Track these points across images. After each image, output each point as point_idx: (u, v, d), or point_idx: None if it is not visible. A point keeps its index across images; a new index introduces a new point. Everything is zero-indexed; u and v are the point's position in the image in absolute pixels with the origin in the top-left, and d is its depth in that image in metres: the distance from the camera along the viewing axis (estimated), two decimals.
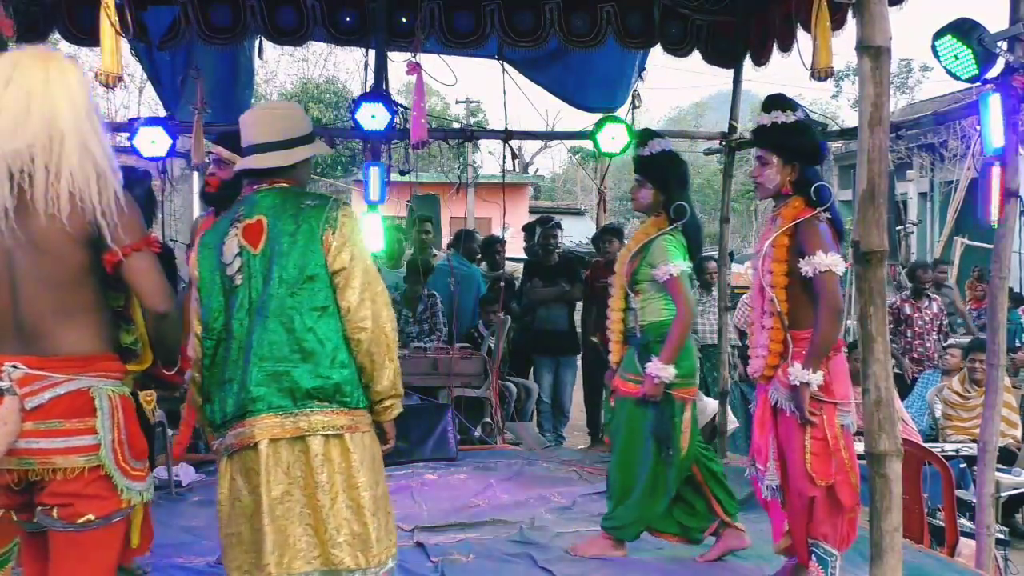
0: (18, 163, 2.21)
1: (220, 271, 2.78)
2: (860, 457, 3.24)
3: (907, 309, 7.54)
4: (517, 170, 15.95)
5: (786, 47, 5.79)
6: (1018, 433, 6.53)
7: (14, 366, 2.23)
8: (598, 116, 6.90)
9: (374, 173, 6.52)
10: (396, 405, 2.84)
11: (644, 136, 4.53)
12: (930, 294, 7.78)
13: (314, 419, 2.68)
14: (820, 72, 5.01)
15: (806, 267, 3.51)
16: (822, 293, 3.50)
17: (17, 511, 2.38)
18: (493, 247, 8.67)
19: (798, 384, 3.48)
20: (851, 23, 4.95)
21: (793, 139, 3.67)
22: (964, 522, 4.88)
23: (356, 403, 2.74)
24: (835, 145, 11.09)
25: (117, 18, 4.50)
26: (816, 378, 3.47)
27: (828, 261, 3.49)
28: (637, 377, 4.16)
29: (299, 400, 2.68)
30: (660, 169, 4.32)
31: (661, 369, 4.07)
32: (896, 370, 7.12)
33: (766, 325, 3.66)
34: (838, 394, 3.55)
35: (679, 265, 4.11)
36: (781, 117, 3.68)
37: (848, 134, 5.99)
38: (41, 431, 2.25)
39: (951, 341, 7.62)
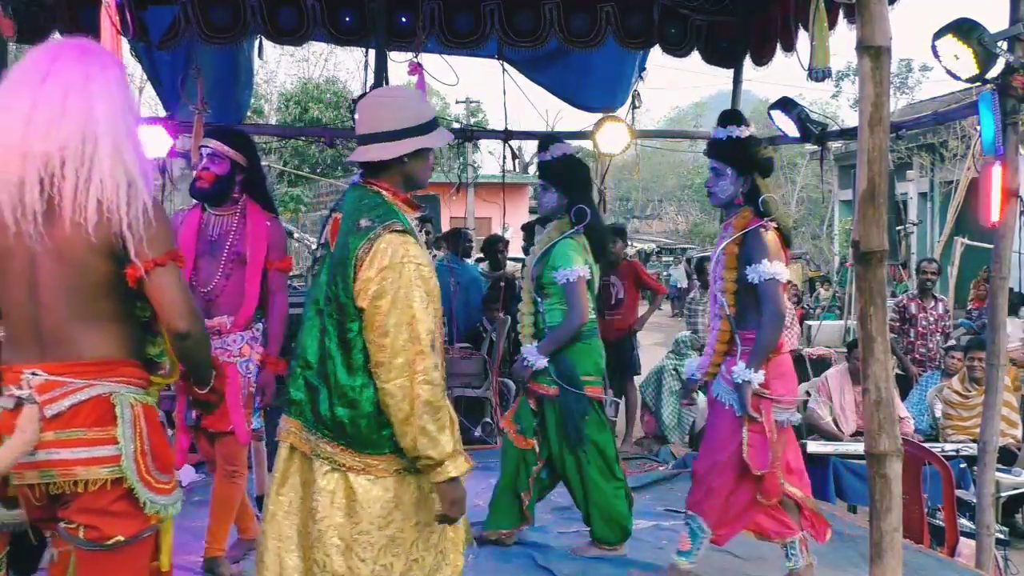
0: (49, 166, 2.10)
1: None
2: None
3: (912, 308, 7.52)
4: (517, 170, 15.92)
5: (786, 47, 5.79)
6: (1018, 433, 6.53)
7: (34, 373, 2.13)
8: (598, 116, 6.90)
9: None
10: (436, 467, 2.45)
11: (546, 141, 4.60)
12: (936, 294, 7.77)
13: (321, 446, 2.51)
14: (818, 72, 5.00)
15: (752, 274, 3.71)
16: (766, 299, 3.70)
17: (39, 523, 2.26)
18: (495, 246, 8.66)
19: (741, 381, 3.69)
20: (842, 23, 4.95)
21: (747, 152, 3.85)
22: (964, 522, 4.88)
23: (367, 447, 2.48)
24: (835, 145, 11.07)
25: (118, 18, 4.50)
26: (758, 376, 3.70)
27: (772, 269, 3.70)
28: (551, 378, 4.29)
29: (312, 422, 2.54)
30: (562, 173, 4.40)
31: (535, 355, 4.28)
32: (899, 371, 7.11)
33: (715, 327, 3.90)
34: (776, 391, 3.77)
35: (576, 271, 4.23)
36: (736, 131, 3.86)
37: (848, 134, 5.99)
38: (63, 441, 2.13)
39: (951, 342, 7.61)
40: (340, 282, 2.47)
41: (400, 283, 2.42)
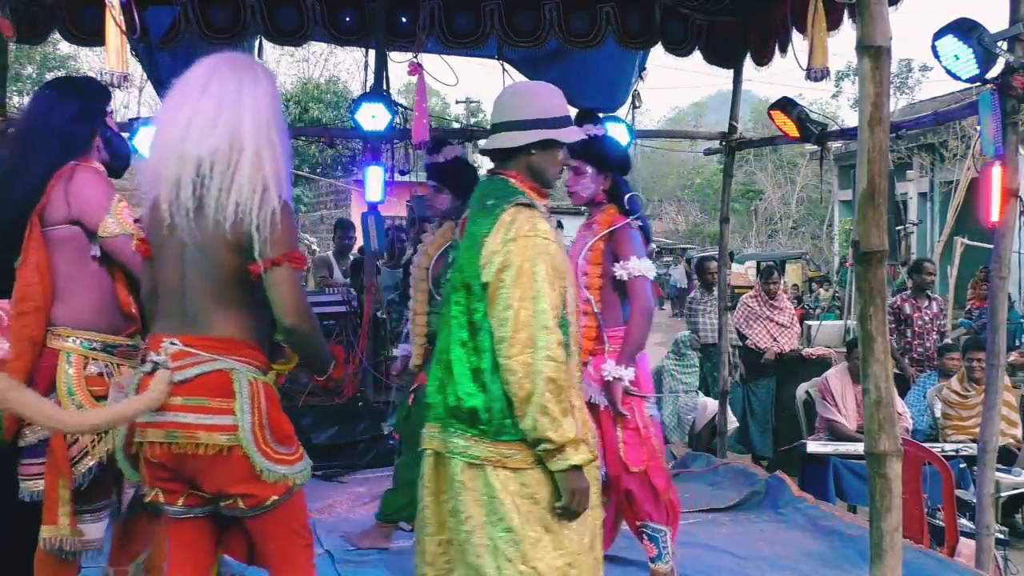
0: (201, 169, 2.38)
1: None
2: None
3: (907, 309, 7.51)
4: None
5: (786, 47, 5.79)
6: (1018, 433, 6.53)
7: (172, 342, 2.41)
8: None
9: (374, 173, 6.52)
10: (556, 454, 2.42)
11: (437, 143, 4.63)
12: (931, 294, 7.76)
13: (454, 442, 2.50)
14: (816, 72, 5.01)
15: (621, 271, 3.75)
16: (635, 295, 3.74)
17: (167, 494, 2.49)
18: None
19: (612, 379, 3.69)
20: (847, 24, 4.95)
21: (606, 150, 3.91)
22: (964, 522, 4.88)
23: (500, 434, 2.44)
24: (835, 145, 11.07)
25: (122, 17, 4.50)
26: (629, 373, 3.70)
27: (642, 266, 3.74)
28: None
29: (445, 419, 2.53)
30: (455, 175, 4.42)
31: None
32: (896, 370, 7.10)
33: (581, 324, 3.80)
34: (646, 388, 3.84)
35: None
36: (594, 130, 3.89)
37: (848, 134, 5.99)
38: (189, 406, 2.39)
39: (946, 342, 7.60)
40: (467, 267, 2.51)
41: (525, 256, 2.43)
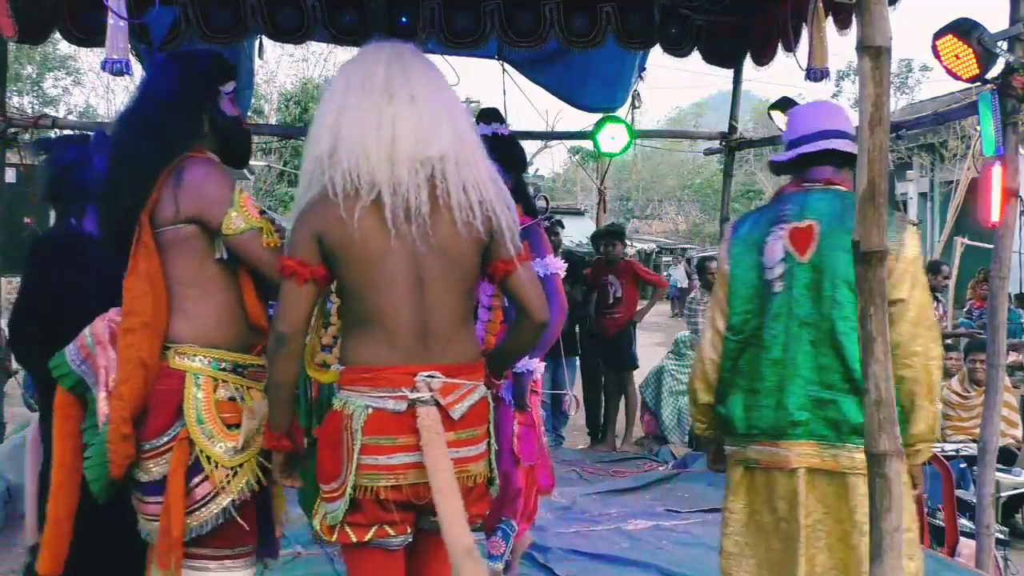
0: (436, 170, 2.20)
1: (759, 271, 2.66)
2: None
3: None
4: None
5: (786, 47, 5.79)
6: (1018, 433, 6.53)
7: (432, 375, 2.20)
8: (598, 116, 6.90)
9: None
10: (926, 450, 2.65)
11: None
12: (938, 296, 7.75)
13: (857, 457, 2.48)
14: (816, 72, 5.01)
15: (539, 268, 3.71)
16: (556, 291, 3.71)
17: (396, 526, 2.27)
18: None
19: (524, 371, 3.67)
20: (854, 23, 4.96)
21: (509, 150, 3.85)
22: (964, 522, 4.88)
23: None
24: None
25: (124, 21, 4.55)
26: (540, 367, 3.71)
27: (556, 263, 3.76)
28: None
29: (843, 433, 2.54)
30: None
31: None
32: None
33: (483, 318, 3.82)
34: (538, 385, 3.85)
35: None
36: (500, 129, 3.86)
37: None
38: (462, 440, 2.24)
39: (947, 342, 7.60)
40: (841, 283, 2.52)
41: (919, 272, 2.57)
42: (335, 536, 2.25)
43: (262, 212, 2.48)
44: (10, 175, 6.55)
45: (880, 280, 2.72)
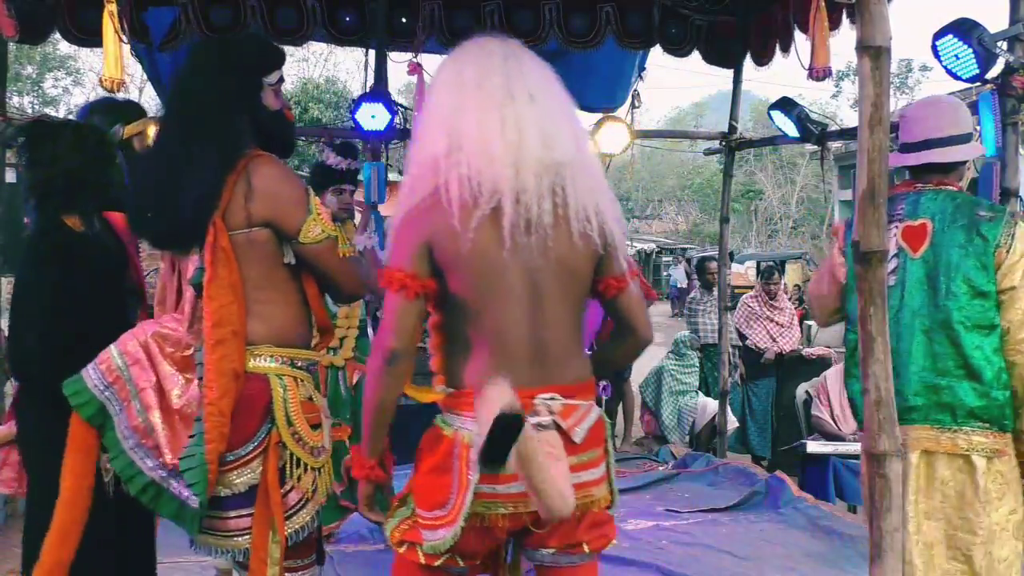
0: (559, 176, 2.03)
1: None
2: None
3: None
4: None
5: (787, 47, 5.79)
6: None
7: (551, 397, 2.05)
8: (598, 116, 6.90)
9: (374, 173, 6.52)
10: None
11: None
12: None
13: (975, 439, 2.73)
14: (818, 72, 5.00)
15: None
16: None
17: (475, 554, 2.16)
18: None
19: None
20: (846, 24, 4.95)
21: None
22: None
23: (1009, 427, 2.76)
24: (835, 145, 11.06)
25: (119, 23, 4.51)
26: None
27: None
28: None
29: (960, 418, 2.74)
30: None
31: None
32: None
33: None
34: None
35: None
36: None
37: (848, 134, 5.98)
38: (583, 463, 2.10)
39: None
40: (980, 277, 2.72)
41: None
42: (403, 549, 2.13)
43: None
44: (10, 175, 6.55)
45: (880, 280, 2.72)
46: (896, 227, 2.81)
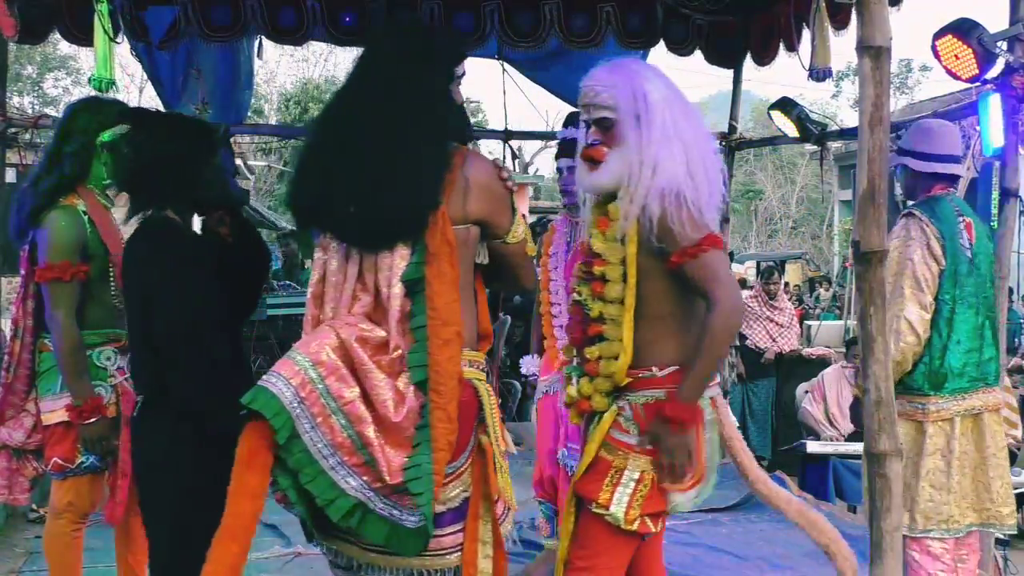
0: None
1: (959, 258, 3.36)
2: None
3: None
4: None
5: (788, 47, 5.79)
6: (1018, 433, 6.51)
7: None
8: None
9: None
10: None
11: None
12: None
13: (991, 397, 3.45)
14: (820, 71, 5.01)
15: None
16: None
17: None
18: None
19: (532, 375, 4.23)
20: (854, 23, 4.95)
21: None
22: None
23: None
24: (835, 145, 11.07)
25: (111, 24, 4.51)
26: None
27: None
28: None
29: (993, 381, 3.45)
30: None
31: None
32: None
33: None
34: None
35: None
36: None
37: (848, 134, 5.98)
38: None
39: None
40: (990, 265, 3.52)
41: None
42: (635, 525, 2.37)
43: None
44: (10, 175, 6.55)
45: (880, 280, 2.73)
46: (962, 223, 3.39)
